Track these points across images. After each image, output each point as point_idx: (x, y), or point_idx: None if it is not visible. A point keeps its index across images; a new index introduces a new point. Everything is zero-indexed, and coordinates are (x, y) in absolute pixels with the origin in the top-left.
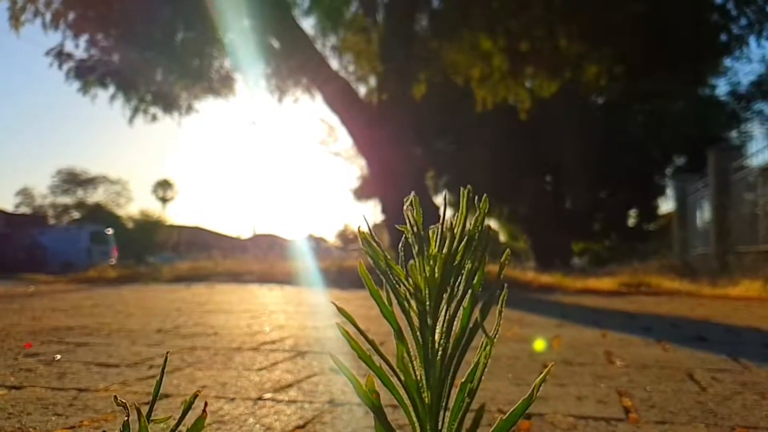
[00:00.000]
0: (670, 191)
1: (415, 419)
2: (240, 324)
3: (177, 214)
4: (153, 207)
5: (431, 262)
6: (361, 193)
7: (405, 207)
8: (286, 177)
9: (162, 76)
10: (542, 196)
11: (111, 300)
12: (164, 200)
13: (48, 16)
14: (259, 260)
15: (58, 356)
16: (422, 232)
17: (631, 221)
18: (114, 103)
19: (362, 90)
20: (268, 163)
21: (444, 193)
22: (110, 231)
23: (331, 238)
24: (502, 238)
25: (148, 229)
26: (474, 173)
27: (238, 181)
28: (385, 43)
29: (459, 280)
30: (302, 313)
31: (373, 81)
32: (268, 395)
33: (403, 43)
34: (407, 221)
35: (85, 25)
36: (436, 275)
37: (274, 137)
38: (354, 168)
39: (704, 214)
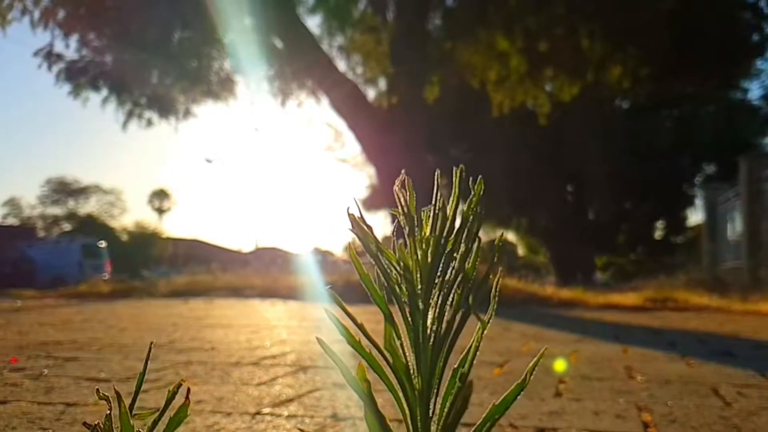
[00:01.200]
0: (699, 201)
1: (404, 405)
2: (239, 339)
3: (174, 225)
4: (149, 218)
5: (423, 246)
6: (371, 204)
7: (396, 187)
8: (290, 186)
9: (158, 78)
10: (563, 206)
11: (103, 315)
12: (161, 211)
13: (36, 14)
14: (262, 274)
15: (46, 371)
16: (414, 215)
17: (658, 233)
18: (106, 107)
19: (371, 93)
20: (271, 172)
21: (436, 173)
22: (103, 244)
23: (338, 251)
24: (521, 251)
25: (144, 241)
26: (491, 182)
27: (239, 190)
28: (396, 43)
29: (452, 263)
30: (306, 328)
31: (383, 83)
32: (266, 410)
33: (415, 44)
34: (398, 203)
35: (76, 23)
36: (429, 258)
37: (277, 144)
38: (362, 176)
39: (735, 226)
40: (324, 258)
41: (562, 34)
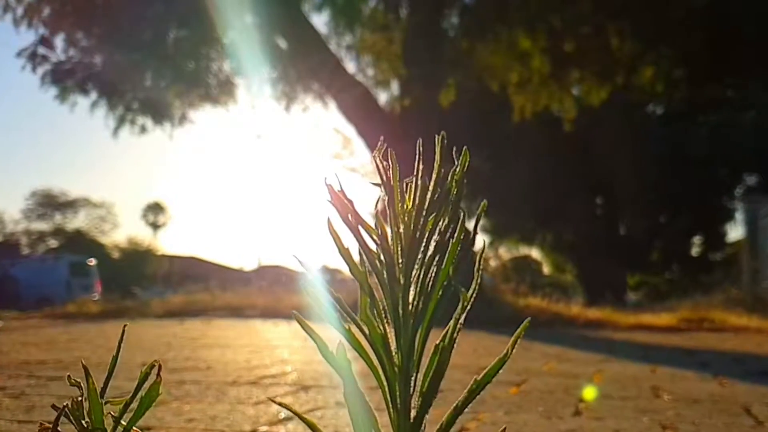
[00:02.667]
0: (739, 215)
1: (384, 381)
2: (237, 358)
3: (170, 242)
4: (142, 234)
5: (405, 218)
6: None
7: (374, 155)
8: (296, 199)
9: (152, 80)
10: (592, 221)
11: (91, 335)
12: (155, 226)
13: (19, 11)
14: (264, 293)
15: (28, 390)
16: (396, 186)
17: (695, 250)
18: (96, 112)
19: (382, 97)
20: (274, 183)
21: (418, 141)
22: (93, 262)
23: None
24: (546, 269)
25: (137, 259)
26: (513, 194)
27: (240, 204)
28: (409, 42)
29: (435, 237)
30: (310, 348)
31: (395, 87)
32: (263, 428)
33: (430, 43)
34: (378, 171)
35: (63, 21)
36: (411, 231)
37: (281, 152)
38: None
39: None
40: (332, 276)
41: (588, 32)
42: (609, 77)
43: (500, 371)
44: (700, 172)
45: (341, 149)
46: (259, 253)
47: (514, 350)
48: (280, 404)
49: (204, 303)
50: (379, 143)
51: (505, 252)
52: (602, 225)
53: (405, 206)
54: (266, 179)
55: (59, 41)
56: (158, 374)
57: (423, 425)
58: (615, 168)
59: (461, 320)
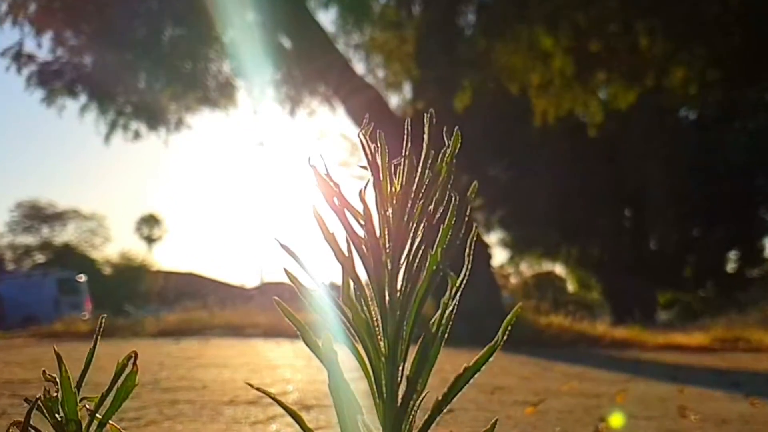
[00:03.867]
0: None
1: (369, 368)
2: (235, 378)
3: (166, 257)
4: (136, 248)
5: (394, 202)
6: None
7: (359, 133)
8: (301, 210)
9: (146, 82)
10: (620, 234)
11: (79, 353)
12: (150, 240)
13: (3, 8)
14: (266, 311)
15: (10, 410)
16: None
17: (731, 266)
18: (86, 117)
19: (394, 100)
20: (278, 194)
21: (407, 122)
22: (83, 278)
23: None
24: (570, 286)
25: (130, 275)
26: (535, 206)
27: (241, 216)
28: (423, 42)
29: (424, 221)
30: (313, 368)
31: (407, 89)
32: None
33: (445, 43)
34: (364, 151)
35: (50, 19)
36: (398, 214)
37: (284, 159)
38: None
39: None
40: (339, 293)
41: (615, 30)
42: (638, 79)
43: (516, 390)
44: (737, 182)
45: (349, 156)
46: (261, 269)
47: (532, 371)
48: (258, 389)
49: (202, 321)
50: (365, 121)
51: (526, 268)
52: (631, 239)
53: (393, 189)
54: (269, 189)
55: (46, 40)
56: (134, 364)
57: (410, 414)
58: (644, 177)
59: (451, 307)
